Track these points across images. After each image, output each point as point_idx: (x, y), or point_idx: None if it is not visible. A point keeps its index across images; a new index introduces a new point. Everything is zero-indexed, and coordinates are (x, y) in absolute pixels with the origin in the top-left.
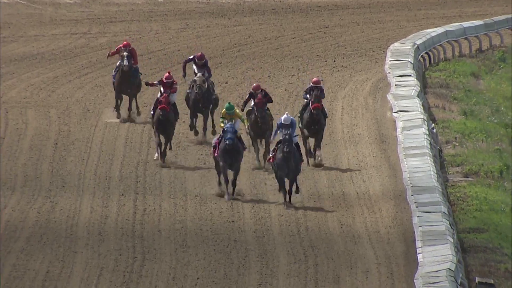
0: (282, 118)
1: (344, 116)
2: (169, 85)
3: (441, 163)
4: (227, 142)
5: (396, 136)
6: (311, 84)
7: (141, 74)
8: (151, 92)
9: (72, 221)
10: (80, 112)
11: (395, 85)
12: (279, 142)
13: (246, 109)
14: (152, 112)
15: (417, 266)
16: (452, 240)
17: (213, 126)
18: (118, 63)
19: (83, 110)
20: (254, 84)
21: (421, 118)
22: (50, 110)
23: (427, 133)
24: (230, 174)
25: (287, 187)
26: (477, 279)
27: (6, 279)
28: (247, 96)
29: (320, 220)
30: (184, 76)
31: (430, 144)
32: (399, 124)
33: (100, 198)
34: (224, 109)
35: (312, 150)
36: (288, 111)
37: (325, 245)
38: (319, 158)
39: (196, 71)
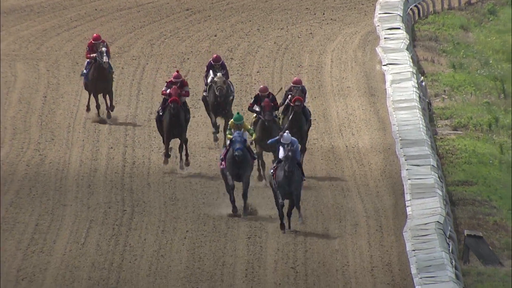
0: (282, 137)
1: (333, 69)
2: (179, 86)
3: (430, 116)
4: (236, 153)
5: (385, 89)
6: (291, 84)
7: (113, 71)
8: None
9: (61, 174)
10: (69, 65)
11: (384, 38)
12: (279, 161)
13: (252, 119)
14: (160, 112)
15: (406, 219)
16: (441, 193)
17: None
18: (88, 61)
19: (72, 63)
20: (261, 86)
21: (410, 71)
22: (39, 63)
23: (416, 86)
24: (239, 187)
25: (287, 211)
26: (466, 232)
27: None
28: (252, 100)
29: (309, 173)
30: (206, 85)
31: (419, 97)
32: (388, 77)
33: (89, 151)
34: (232, 120)
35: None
36: (276, 64)
37: (314, 198)
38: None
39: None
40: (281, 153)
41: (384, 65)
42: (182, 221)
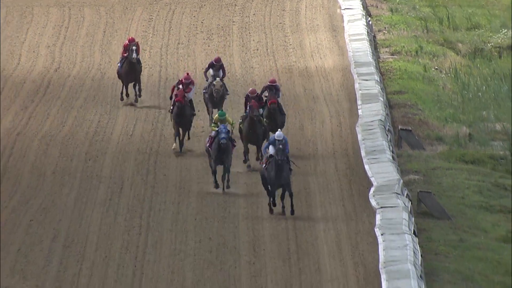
0: (275, 134)
1: (307, 12)
2: (187, 85)
3: (374, 46)
4: (222, 141)
5: (344, 26)
6: (268, 83)
7: (142, 65)
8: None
9: (116, 86)
10: (121, 9)
11: None
12: (271, 156)
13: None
14: (171, 107)
15: (358, 118)
16: (382, 100)
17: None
18: (122, 57)
19: (123, 8)
20: (251, 89)
21: (361, 13)
22: (100, 8)
23: (365, 24)
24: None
25: (281, 195)
26: (400, 127)
27: (70, 126)
28: (244, 99)
29: (289, 86)
30: (207, 80)
31: (367, 32)
32: (346, 18)
33: None
34: (217, 115)
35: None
36: (267, 9)
37: (293, 103)
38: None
39: (212, 74)
40: (271, 150)
41: (342, 9)
42: (207, 120)
